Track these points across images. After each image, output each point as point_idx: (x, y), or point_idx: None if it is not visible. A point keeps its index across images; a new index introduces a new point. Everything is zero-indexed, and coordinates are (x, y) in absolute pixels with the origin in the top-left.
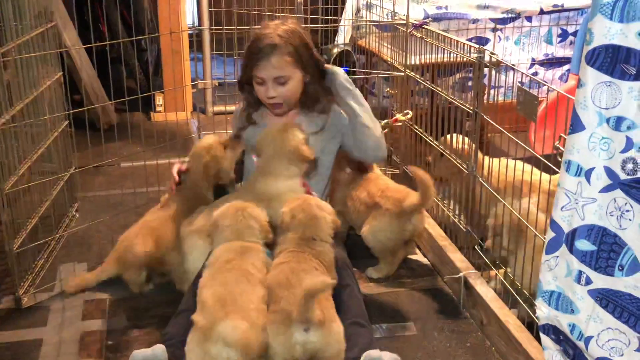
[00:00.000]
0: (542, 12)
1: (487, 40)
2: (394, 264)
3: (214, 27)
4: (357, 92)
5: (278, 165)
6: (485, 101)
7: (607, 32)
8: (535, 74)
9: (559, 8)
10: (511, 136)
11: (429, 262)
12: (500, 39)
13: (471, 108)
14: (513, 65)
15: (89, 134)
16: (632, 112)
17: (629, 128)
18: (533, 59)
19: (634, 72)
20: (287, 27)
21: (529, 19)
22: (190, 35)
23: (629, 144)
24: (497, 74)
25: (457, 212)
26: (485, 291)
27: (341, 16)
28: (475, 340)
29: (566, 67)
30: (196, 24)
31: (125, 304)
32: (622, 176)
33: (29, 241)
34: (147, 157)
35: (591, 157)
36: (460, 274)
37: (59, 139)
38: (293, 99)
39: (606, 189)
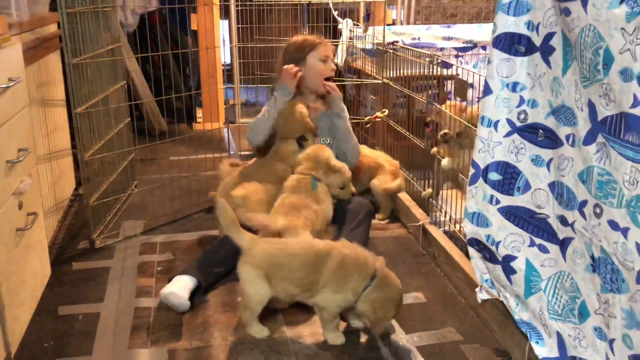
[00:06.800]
0: None
1: (450, 65)
2: (389, 209)
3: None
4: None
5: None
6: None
7: (505, 23)
8: None
9: None
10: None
11: (398, 217)
12: (462, 63)
13: (425, 99)
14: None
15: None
16: (522, 78)
17: (521, 89)
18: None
19: (523, 50)
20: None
21: (484, 47)
22: (227, 70)
23: (521, 101)
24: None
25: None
26: (438, 234)
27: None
28: (429, 268)
29: None
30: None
31: (172, 244)
32: (518, 124)
33: (102, 199)
34: (190, 153)
35: (497, 112)
36: (420, 223)
37: (124, 130)
38: None
39: (508, 134)
